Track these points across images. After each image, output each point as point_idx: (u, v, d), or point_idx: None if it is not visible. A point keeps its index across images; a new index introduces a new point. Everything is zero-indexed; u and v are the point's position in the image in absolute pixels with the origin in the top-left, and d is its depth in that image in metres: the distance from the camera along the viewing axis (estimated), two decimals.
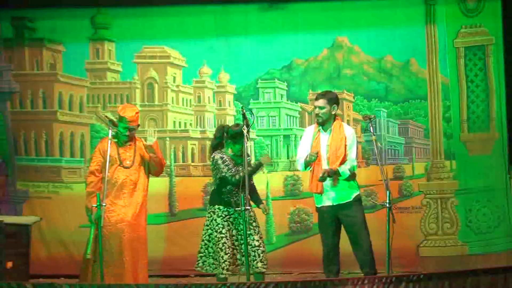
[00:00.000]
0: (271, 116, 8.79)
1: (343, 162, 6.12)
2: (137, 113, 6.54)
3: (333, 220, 6.24)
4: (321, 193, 6.19)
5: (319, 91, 6.57)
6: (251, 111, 6.67)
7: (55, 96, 8.70)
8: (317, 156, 6.10)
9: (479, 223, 8.36)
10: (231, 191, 6.48)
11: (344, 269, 7.42)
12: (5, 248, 6.80)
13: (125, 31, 8.67)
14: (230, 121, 8.56)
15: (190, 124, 8.81)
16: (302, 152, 6.30)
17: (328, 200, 6.22)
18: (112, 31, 8.72)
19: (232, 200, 6.47)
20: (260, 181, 8.23)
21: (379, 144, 7.25)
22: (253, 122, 6.35)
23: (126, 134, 6.45)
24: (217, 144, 6.60)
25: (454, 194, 8.44)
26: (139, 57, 8.76)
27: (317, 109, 6.25)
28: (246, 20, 8.57)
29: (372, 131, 6.20)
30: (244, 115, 6.18)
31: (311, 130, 6.38)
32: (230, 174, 6.41)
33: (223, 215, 6.46)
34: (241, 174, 6.34)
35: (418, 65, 8.62)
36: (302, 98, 8.71)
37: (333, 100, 6.25)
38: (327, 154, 6.16)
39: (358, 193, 6.25)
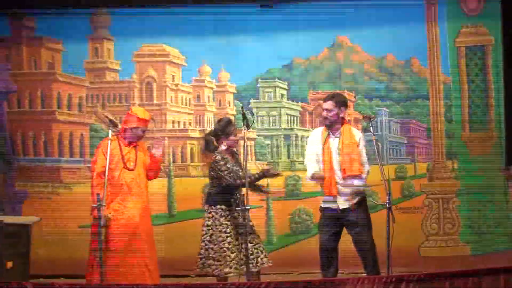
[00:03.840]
0: (272, 116, 8.75)
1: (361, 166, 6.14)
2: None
3: (334, 222, 6.20)
4: (336, 196, 6.13)
5: (327, 92, 6.55)
6: (251, 111, 6.65)
7: (54, 96, 8.66)
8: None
9: (482, 223, 8.33)
10: (233, 191, 6.47)
11: (344, 269, 7.41)
12: (5, 248, 6.79)
13: (124, 30, 8.64)
14: None
15: (190, 124, 8.77)
16: (311, 155, 6.25)
17: (334, 203, 6.19)
18: (111, 30, 8.69)
19: (232, 199, 6.45)
20: (260, 181, 8.21)
21: (379, 144, 7.21)
22: (253, 122, 6.32)
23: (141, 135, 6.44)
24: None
25: (455, 194, 8.41)
26: (138, 55, 8.72)
27: (325, 112, 6.21)
28: (246, 19, 8.54)
29: (372, 131, 6.19)
30: (244, 115, 6.14)
31: (318, 133, 6.31)
32: (232, 177, 6.36)
33: (226, 215, 6.40)
34: (243, 180, 6.25)
35: (419, 64, 8.58)
36: (302, 98, 8.68)
37: (341, 102, 6.23)
38: (339, 158, 6.12)
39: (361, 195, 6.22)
